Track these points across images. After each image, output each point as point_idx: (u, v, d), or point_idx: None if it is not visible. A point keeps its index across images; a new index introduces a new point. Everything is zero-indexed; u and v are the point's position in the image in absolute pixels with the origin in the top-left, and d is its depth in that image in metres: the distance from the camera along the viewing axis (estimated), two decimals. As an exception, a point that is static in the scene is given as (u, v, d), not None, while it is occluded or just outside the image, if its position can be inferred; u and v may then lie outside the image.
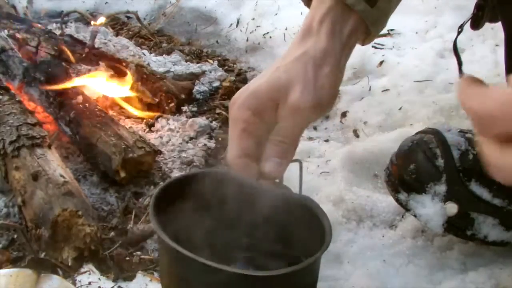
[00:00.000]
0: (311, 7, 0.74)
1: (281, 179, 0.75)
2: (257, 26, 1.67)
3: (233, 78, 1.49)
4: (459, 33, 0.87)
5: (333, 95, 0.72)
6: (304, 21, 0.73)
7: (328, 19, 0.71)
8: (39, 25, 1.46)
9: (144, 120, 1.29)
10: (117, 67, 1.34)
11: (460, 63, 0.92)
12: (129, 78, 1.30)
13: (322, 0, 0.72)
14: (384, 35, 1.52)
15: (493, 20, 0.83)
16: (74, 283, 0.87)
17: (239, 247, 0.81)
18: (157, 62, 1.51)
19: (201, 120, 1.27)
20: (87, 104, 1.19)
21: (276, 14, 1.69)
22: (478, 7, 0.83)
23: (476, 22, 0.84)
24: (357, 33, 0.74)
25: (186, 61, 1.55)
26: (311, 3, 0.76)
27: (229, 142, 0.71)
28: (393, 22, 1.55)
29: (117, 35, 1.68)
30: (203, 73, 1.48)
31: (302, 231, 0.77)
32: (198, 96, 1.41)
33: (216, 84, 1.45)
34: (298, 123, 0.70)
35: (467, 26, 0.85)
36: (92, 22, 1.46)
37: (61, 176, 0.98)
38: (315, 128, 1.26)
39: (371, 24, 0.74)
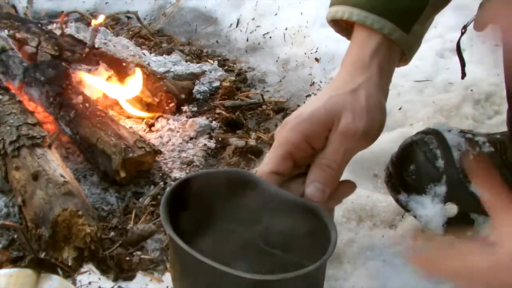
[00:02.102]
0: (356, 40, 0.76)
1: (332, 210, 0.75)
2: (257, 26, 1.67)
3: (233, 78, 1.49)
4: (462, 34, 0.87)
5: (382, 125, 0.74)
6: (352, 54, 0.76)
7: (378, 55, 0.74)
8: (39, 25, 1.46)
9: (144, 120, 1.29)
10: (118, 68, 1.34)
11: (463, 64, 0.92)
12: (138, 80, 1.30)
13: (368, 37, 0.74)
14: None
15: None
16: (74, 283, 0.87)
17: (246, 248, 0.81)
18: (157, 62, 1.51)
19: (201, 120, 1.27)
20: (87, 104, 1.19)
21: (276, 14, 1.69)
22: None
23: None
24: (397, 60, 0.77)
25: (186, 61, 1.55)
26: (344, 32, 0.79)
27: (268, 157, 0.72)
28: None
29: (117, 35, 1.68)
30: (203, 73, 1.48)
31: (308, 238, 0.76)
32: (198, 96, 1.41)
33: (216, 84, 1.46)
34: (348, 149, 0.71)
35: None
36: (93, 22, 1.46)
37: (61, 176, 0.98)
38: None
39: (407, 50, 0.76)
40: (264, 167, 0.72)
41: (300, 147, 0.71)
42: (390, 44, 0.74)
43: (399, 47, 0.75)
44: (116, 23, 1.80)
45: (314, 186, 0.71)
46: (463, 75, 0.93)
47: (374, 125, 0.72)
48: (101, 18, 1.47)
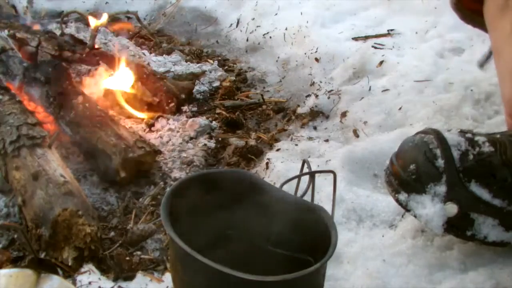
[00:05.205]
0: None
1: None
2: (257, 26, 1.67)
3: (233, 78, 1.49)
4: None
5: None
6: None
7: None
8: (39, 25, 1.46)
9: (144, 120, 1.29)
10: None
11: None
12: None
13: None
14: (384, 35, 1.52)
15: None
16: (74, 283, 0.87)
17: (247, 248, 0.81)
18: (157, 62, 1.51)
19: (201, 120, 1.27)
20: (87, 104, 1.19)
21: (276, 14, 1.69)
22: None
23: None
24: None
25: (186, 61, 1.55)
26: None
27: None
28: (393, 22, 1.56)
29: (117, 35, 1.68)
30: (203, 73, 1.49)
31: (309, 238, 0.76)
32: (198, 96, 1.41)
33: (216, 84, 1.46)
34: None
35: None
36: (93, 23, 1.45)
37: (61, 176, 0.98)
38: (315, 128, 1.26)
39: None
40: None
41: None
42: None
43: None
44: (116, 23, 1.80)
45: None
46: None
47: None
48: (104, 18, 1.47)
